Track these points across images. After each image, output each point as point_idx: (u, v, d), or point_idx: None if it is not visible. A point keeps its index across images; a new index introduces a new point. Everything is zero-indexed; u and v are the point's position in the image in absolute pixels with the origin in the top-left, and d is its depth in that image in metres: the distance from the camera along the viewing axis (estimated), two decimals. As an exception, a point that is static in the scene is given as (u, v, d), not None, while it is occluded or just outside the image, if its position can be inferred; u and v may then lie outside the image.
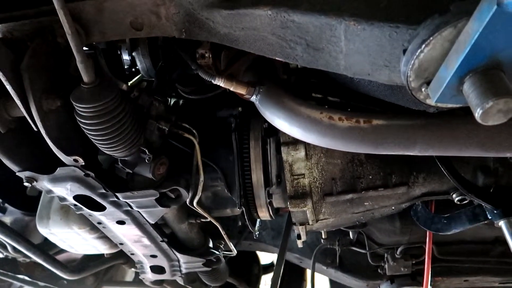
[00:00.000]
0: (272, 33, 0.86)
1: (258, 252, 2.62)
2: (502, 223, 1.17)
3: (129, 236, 1.41)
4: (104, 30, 0.99)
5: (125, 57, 1.43)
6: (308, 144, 1.21)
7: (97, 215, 1.28)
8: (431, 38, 0.65)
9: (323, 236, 1.67)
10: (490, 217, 1.21)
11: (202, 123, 1.32)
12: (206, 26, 0.94)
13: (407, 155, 0.96)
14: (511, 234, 1.16)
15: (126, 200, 1.18)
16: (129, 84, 1.56)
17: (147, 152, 1.08)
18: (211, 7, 0.90)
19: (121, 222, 1.31)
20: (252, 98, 1.05)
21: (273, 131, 1.31)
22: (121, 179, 1.16)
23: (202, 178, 1.21)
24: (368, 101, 1.13)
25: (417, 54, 0.67)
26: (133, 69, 1.43)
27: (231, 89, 1.04)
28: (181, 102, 1.53)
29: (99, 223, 1.35)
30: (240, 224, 1.89)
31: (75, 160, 1.03)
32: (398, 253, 1.73)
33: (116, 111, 0.94)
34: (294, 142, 1.21)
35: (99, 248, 1.57)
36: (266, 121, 1.17)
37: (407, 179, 1.24)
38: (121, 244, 1.50)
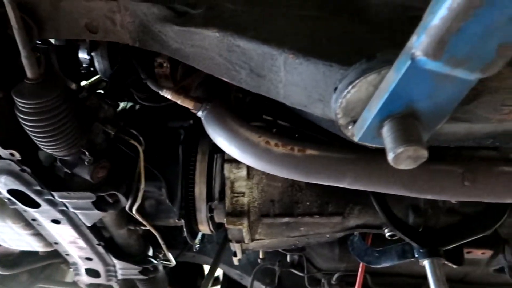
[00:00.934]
0: (219, 54, 0.89)
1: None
2: (426, 263, 1.23)
3: (64, 236, 1.38)
4: (59, 28, 0.99)
5: (85, 55, 1.43)
6: (250, 163, 1.24)
7: (32, 211, 1.25)
8: (357, 81, 0.70)
9: (260, 256, 1.69)
10: (416, 255, 1.26)
11: (154, 131, 1.32)
12: (159, 39, 0.96)
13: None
14: (433, 273, 1.21)
15: (62, 200, 1.16)
16: (87, 83, 1.56)
17: (88, 154, 1.07)
18: (164, 21, 0.92)
19: (56, 221, 1.29)
20: (198, 114, 1.07)
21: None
22: (59, 178, 1.15)
23: (143, 185, 1.21)
24: (316, 129, 1.17)
25: (344, 93, 0.72)
26: (92, 69, 1.43)
27: (179, 102, 1.06)
28: (137, 107, 1.54)
29: (34, 220, 1.32)
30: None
31: (11, 154, 1.02)
32: (334, 279, 1.76)
33: (57, 110, 0.93)
34: (238, 161, 1.23)
35: (33, 245, 1.53)
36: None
37: (343, 209, 1.28)
38: (56, 243, 1.46)
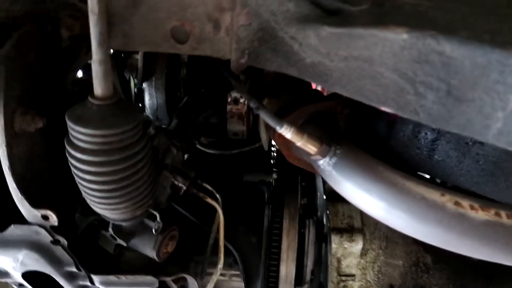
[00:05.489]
0: (395, 68, 0.59)
1: None
2: None
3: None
4: (131, 33, 0.68)
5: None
6: (365, 235, 0.91)
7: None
8: None
9: None
10: None
11: (226, 185, 0.98)
12: (286, 49, 0.66)
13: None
14: None
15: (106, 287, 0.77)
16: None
17: (158, 219, 0.71)
18: (306, 21, 0.63)
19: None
20: (321, 161, 0.75)
21: (314, 210, 1.00)
22: (104, 254, 0.77)
23: (221, 265, 0.84)
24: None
25: None
26: (139, 104, 1.11)
27: (299, 144, 0.72)
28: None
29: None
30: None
31: (45, 217, 0.65)
32: None
33: (135, 148, 0.59)
34: (350, 230, 0.90)
35: None
36: (304, 195, 0.86)
37: (485, 297, 0.94)
38: None
